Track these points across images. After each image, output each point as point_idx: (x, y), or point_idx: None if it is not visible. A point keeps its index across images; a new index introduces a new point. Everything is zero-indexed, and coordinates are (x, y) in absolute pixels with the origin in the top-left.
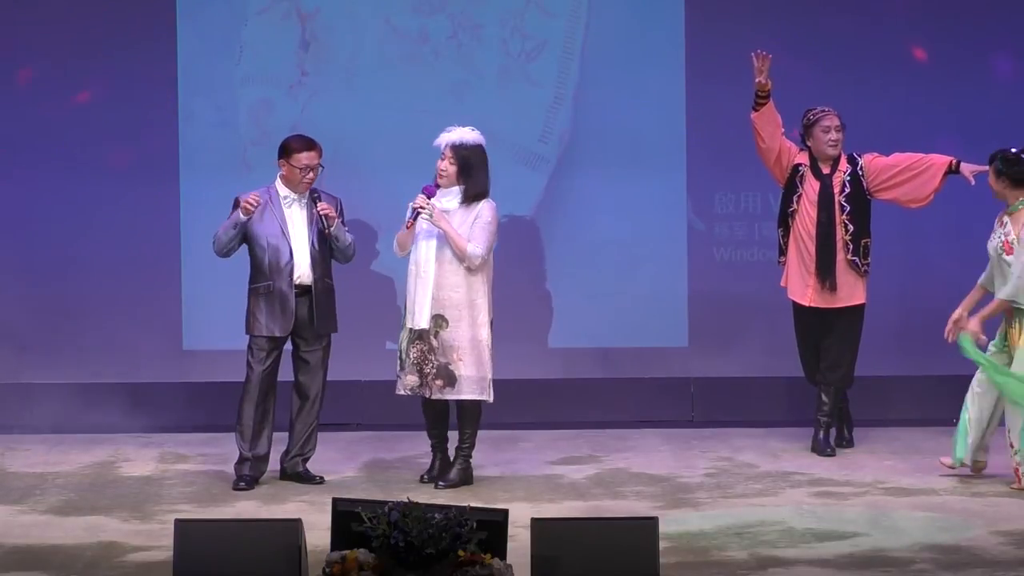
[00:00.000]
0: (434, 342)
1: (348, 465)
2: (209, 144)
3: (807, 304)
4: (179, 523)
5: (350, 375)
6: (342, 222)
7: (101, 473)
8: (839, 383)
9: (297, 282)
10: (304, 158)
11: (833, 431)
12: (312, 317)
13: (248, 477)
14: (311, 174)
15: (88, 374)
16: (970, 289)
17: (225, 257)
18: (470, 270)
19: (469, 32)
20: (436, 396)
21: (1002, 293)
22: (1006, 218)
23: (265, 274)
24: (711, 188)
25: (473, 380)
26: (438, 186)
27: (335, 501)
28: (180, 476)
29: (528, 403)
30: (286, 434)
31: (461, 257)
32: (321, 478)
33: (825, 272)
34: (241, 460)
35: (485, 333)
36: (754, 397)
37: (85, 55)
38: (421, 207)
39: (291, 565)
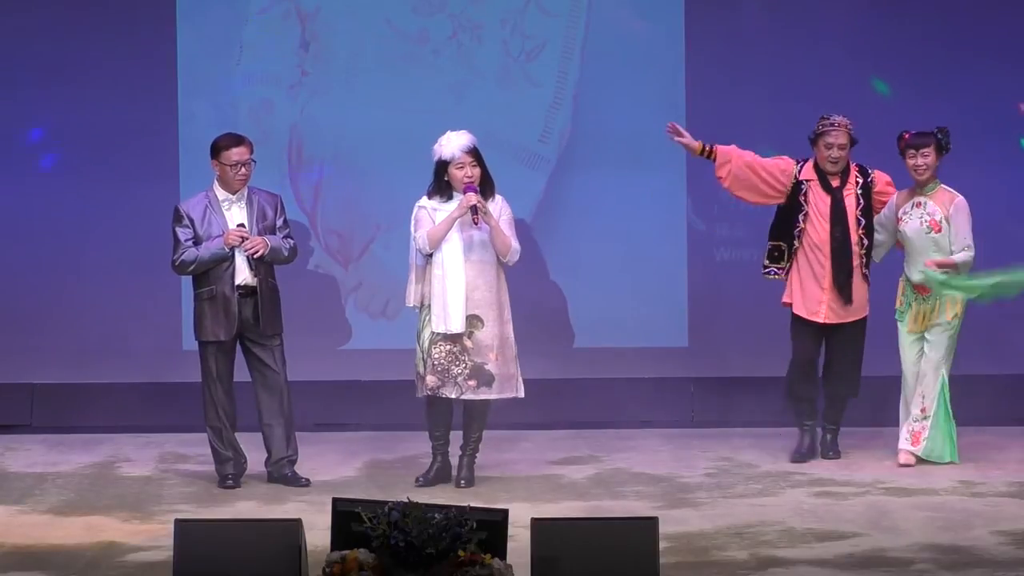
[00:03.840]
0: (468, 343)
1: (348, 465)
2: (209, 144)
3: (822, 321)
4: (179, 523)
5: (350, 375)
6: (285, 221)
7: (101, 473)
8: (850, 394)
9: (240, 284)
10: (234, 154)
11: (824, 435)
12: (258, 318)
13: (234, 475)
14: (243, 170)
15: (88, 374)
16: None
17: (181, 276)
18: (499, 268)
19: (469, 32)
20: (469, 396)
21: (960, 257)
22: (923, 199)
23: (208, 279)
24: (711, 188)
25: (507, 378)
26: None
27: (335, 501)
28: (180, 476)
29: (528, 403)
30: (259, 433)
31: (504, 252)
32: (307, 480)
33: (843, 287)
34: (223, 460)
35: (511, 330)
36: (754, 397)
37: (85, 55)
38: (480, 203)
39: (291, 565)
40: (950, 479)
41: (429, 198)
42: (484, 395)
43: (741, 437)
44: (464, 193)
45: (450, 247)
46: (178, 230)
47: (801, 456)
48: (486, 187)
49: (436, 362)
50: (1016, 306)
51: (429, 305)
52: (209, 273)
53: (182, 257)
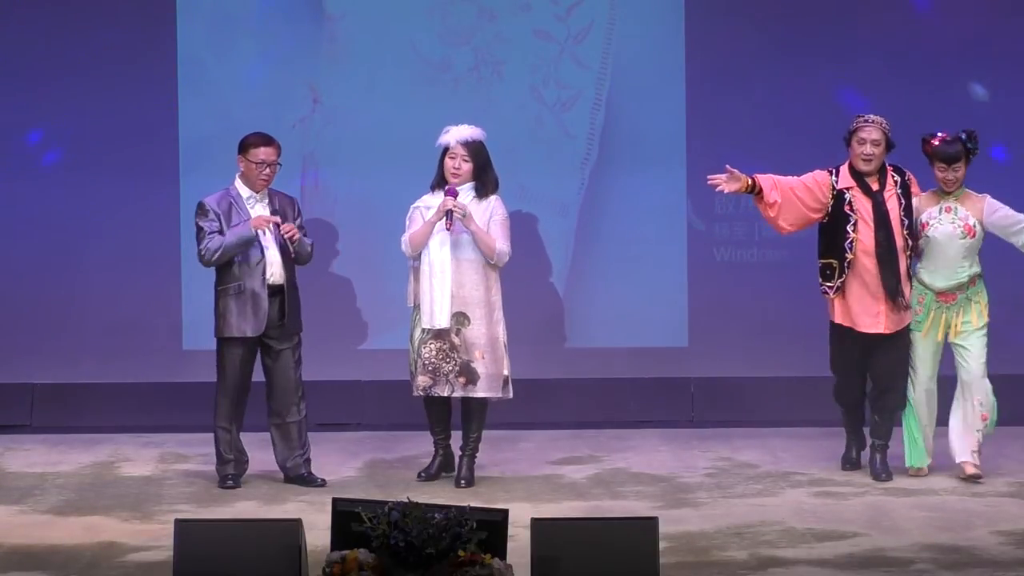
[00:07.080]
0: (455, 340)
1: (348, 465)
2: (209, 144)
3: (884, 331)
4: (179, 523)
5: (350, 375)
6: (300, 224)
7: (101, 473)
8: (897, 406)
9: (270, 282)
10: (262, 153)
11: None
12: (283, 316)
13: (234, 475)
14: (268, 170)
15: (88, 374)
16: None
17: (210, 267)
18: (489, 268)
19: (491, 67)
20: (459, 394)
21: None
22: (953, 204)
23: (235, 275)
24: (711, 188)
25: (492, 377)
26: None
27: (335, 501)
28: (180, 476)
29: (528, 403)
30: (263, 433)
31: (490, 255)
32: (323, 480)
33: (894, 292)
34: (224, 461)
35: (501, 330)
36: (754, 397)
37: (85, 55)
38: (455, 207)
39: (291, 565)
40: (950, 479)
41: (433, 192)
42: (472, 392)
43: (741, 437)
44: (445, 195)
45: (439, 245)
46: (203, 223)
47: (853, 464)
48: (484, 185)
49: (427, 361)
50: (1016, 306)
51: (419, 304)
52: (237, 269)
53: (207, 245)
